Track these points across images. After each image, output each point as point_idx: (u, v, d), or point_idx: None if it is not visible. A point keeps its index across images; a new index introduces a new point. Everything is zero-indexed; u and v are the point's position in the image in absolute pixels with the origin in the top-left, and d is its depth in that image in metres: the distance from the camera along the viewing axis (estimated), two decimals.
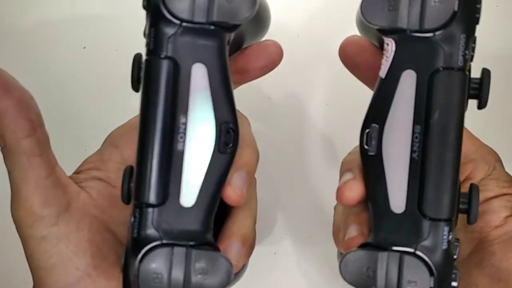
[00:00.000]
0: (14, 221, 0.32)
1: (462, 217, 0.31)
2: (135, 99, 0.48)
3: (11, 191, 0.31)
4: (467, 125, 0.35)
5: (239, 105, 0.31)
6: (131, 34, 0.49)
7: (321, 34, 0.49)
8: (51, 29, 0.50)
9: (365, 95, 0.32)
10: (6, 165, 0.31)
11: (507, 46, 0.49)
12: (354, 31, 0.35)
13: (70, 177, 0.34)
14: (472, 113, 0.31)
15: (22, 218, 0.31)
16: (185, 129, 0.29)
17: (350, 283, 0.29)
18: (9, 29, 0.50)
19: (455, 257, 0.29)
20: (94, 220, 0.33)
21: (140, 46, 0.50)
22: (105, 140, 0.36)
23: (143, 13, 0.49)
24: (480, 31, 0.49)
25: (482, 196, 0.33)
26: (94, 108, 0.49)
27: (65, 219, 0.32)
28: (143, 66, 0.30)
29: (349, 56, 0.34)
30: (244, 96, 0.33)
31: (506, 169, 0.36)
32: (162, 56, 0.29)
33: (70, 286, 0.32)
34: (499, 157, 0.35)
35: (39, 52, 0.50)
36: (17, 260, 0.35)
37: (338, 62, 0.37)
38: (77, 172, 0.35)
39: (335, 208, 0.36)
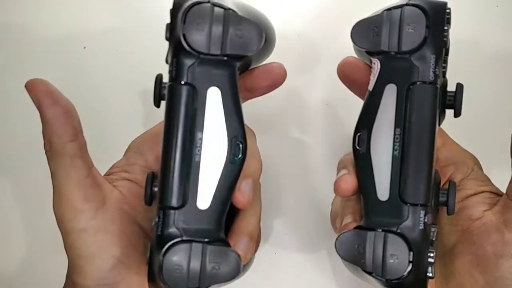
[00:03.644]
0: (56, 216, 0.36)
1: (449, 215, 0.36)
2: (134, 99, 0.48)
3: (54, 189, 0.35)
4: (452, 132, 0.39)
5: None
6: (131, 34, 0.49)
7: (321, 34, 0.49)
8: (51, 29, 0.50)
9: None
10: (50, 166, 0.35)
11: (507, 46, 0.49)
12: None
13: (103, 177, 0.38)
14: (454, 120, 0.36)
15: (64, 212, 0.35)
16: (201, 143, 0.34)
17: (344, 258, 0.35)
18: (8, 29, 0.50)
19: (433, 239, 0.35)
20: (125, 214, 0.37)
21: (139, 46, 0.50)
22: (128, 147, 0.40)
23: (142, 14, 0.50)
24: (480, 31, 0.49)
25: (463, 194, 0.38)
26: (93, 108, 0.49)
27: (102, 213, 0.36)
28: (166, 90, 0.35)
29: (346, 74, 0.39)
30: None
31: (484, 171, 0.39)
32: (183, 82, 0.34)
33: (107, 272, 0.36)
34: (477, 161, 0.40)
35: (39, 52, 0.50)
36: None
37: (338, 62, 0.37)
38: (108, 174, 0.39)
39: (332, 201, 0.42)
